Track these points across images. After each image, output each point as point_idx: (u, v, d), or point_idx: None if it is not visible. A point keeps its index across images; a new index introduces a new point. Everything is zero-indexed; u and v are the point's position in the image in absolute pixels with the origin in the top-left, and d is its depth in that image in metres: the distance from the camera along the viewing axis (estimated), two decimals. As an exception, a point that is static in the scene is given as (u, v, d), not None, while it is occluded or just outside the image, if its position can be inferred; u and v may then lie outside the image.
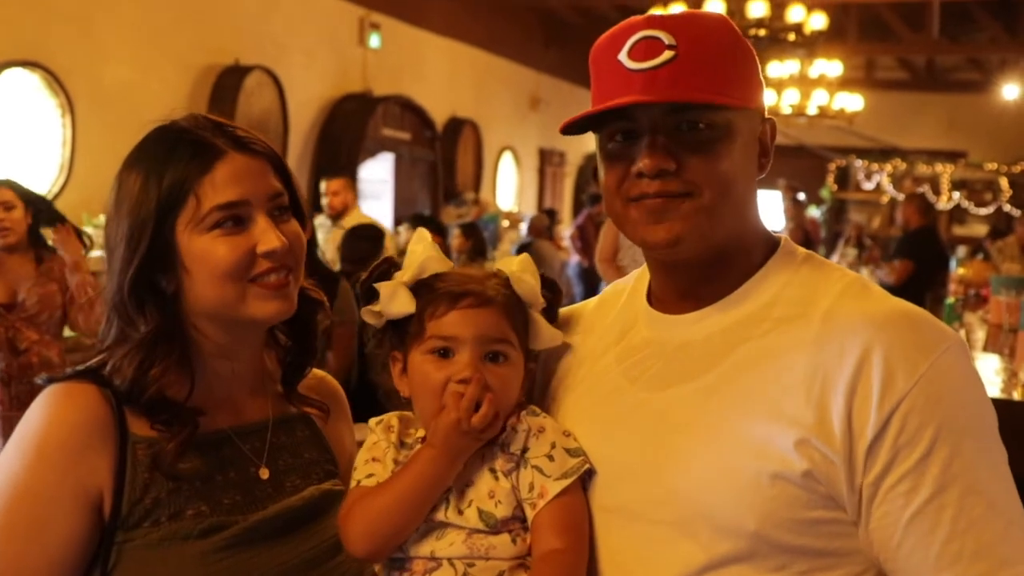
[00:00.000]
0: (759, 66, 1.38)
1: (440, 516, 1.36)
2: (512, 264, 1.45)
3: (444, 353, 1.38)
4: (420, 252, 1.44)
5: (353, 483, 1.42)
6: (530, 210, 13.34)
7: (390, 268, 1.46)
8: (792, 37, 8.91)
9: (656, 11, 1.47)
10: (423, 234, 1.46)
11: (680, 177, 1.30)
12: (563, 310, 1.60)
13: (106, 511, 1.34)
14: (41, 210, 4.32)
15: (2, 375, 4.07)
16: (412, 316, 1.41)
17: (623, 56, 1.30)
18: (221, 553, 1.36)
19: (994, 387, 4.64)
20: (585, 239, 10.17)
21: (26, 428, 1.35)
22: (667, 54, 1.28)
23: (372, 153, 9.72)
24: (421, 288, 1.42)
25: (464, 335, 1.37)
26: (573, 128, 1.36)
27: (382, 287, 1.42)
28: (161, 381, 1.38)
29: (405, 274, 1.43)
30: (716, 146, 1.30)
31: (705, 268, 1.36)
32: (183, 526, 1.35)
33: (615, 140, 1.34)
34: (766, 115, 1.40)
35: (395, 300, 1.41)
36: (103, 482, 1.34)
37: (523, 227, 11.19)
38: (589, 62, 1.38)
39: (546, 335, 1.46)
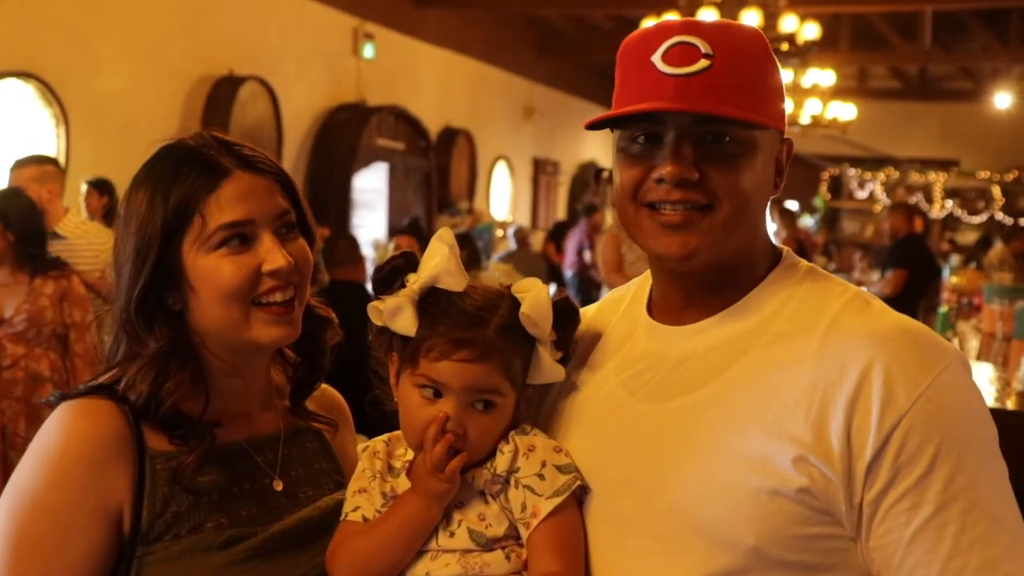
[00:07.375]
0: (783, 82, 1.37)
1: (432, 546, 1.35)
2: (527, 293, 1.38)
3: (433, 393, 1.35)
4: (436, 263, 1.37)
5: (342, 516, 1.41)
6: (524, 220, 13.34)
7: (406, 265, 1.40)
8: (785, 47, 8.92)
9: (692, 15, 1.44)
10: (445, 235, 1.39)
11: (702, 188, 1.29)
12: None
13: (125, 526, 1.34)
14: (28, 229, 4.25)
15: None
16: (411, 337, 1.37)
17: (657, 58, 1.28)
18: (242, 564, 1.37)
19: (988, 396, 4.64)
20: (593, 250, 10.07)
21: (43, 445, 1.35)
22: (703, 63, 1.26)
23: (366, 163, 9.72)
24: (427, 307, 1.37)
25: (455, 385, 1.34)
26: (595, 124, 1.34)
27: (388, 300, 1.38)
28: (176, 395, 1.38)
29: (416, 282, 1.38)
30: (739, 161, 1.30)
31: (711, 279, 1.36)
32: (204, 538, 1.36)
33: (637, 141, 1.32)
34: (785, 135, 1.39)
35: (398, 318, 1.37)
36: (122, 497, 1.34)
37: (510, 240, 11.06)
38: (618, 57, 1.36)
39: (547, 371, 1.40)
